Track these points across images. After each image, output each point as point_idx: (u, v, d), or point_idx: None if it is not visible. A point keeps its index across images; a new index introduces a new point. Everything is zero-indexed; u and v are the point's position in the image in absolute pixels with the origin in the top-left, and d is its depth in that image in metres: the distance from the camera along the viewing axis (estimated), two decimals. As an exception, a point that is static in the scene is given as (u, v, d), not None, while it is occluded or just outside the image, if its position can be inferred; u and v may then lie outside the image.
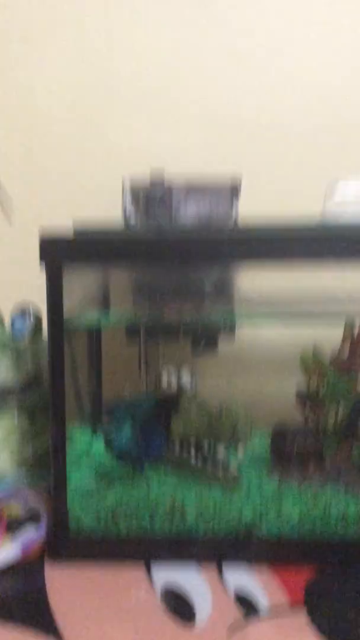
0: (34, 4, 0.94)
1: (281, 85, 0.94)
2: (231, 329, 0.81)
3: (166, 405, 0.71)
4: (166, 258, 0.60)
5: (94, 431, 0.83)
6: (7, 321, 0.81)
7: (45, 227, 0.59)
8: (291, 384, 0.75)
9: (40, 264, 0.59)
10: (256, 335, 0.89)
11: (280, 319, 0.73)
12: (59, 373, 0.61)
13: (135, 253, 0.59)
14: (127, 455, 0.69)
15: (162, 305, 0.73)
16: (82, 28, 0.94)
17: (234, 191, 0.77)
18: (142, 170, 0.78)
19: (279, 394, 0.79)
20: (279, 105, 0.94)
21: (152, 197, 0.77)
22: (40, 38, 0.95)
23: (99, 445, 0.79)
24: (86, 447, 0.79)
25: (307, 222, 0.63)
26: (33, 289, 0.83)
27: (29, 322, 0.79)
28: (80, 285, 0.69)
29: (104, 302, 0.75)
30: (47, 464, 0.76)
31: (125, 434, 0.69)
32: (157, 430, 0.69)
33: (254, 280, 0.71)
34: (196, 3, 0.93)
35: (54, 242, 0.59)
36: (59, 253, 0.59)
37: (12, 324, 0.79)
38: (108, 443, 0.70)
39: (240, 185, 0.76)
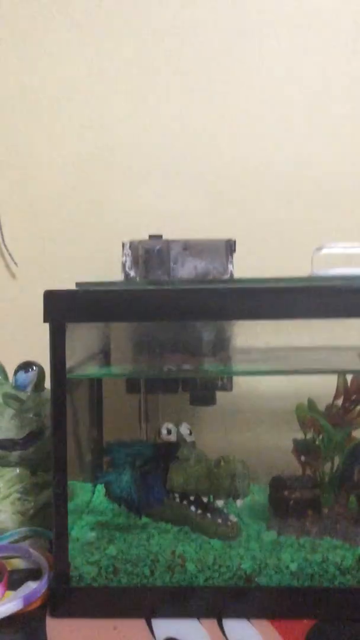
0: (35, 77, 1.01)
1: (273, 156, 1.00)
2: (228, 381, 0.83)
3: (166, 454, 0.72)
4: (165, 308, 0.63)
5: (95, 484, 0.84)
6: (10, 376, 0.84)
7: (49, 288, 0.63)
8: (288, 435, 0.77)
9: (45, 322, 0.62)
10: (253, 387, 0.91)
11: (275, 371, 0.75)
12: (61, 425, 0.63)
13: (135, 305, 0.62)
14: (126, 501, 0.70)
15: (161, 359, 0.75)
16: (80, 98, 1.01)
17: (229, 247, 0.81)
18: (141, 236, 0.82)
19: (276, 445, 0.81)
20: (271, 176, 1.00)
21: (150, 254, 0.81)
22: (41, 111, 1.01)
23: (100, 498, 0.81)
24: (87, 500, 0.80)
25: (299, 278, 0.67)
26: (36, 347, 0.87)
27: (32, 375, 0.82)
28: (82, 342, 0.72)
29: (105, 357, 0.78)
30: (49, 517, 0.78)
31: (125, 479, 0.70)
32: (156, 478, 0.70)
33: (250, 332, 0.73)
34: (191, 72, 0.99)
35: (57, 300, 0.62)
36: (62, 311, 0.62)
37: (16, 378, 0.82)
38: (107, 487, 0.72)
39: (234, 244, 0.80)
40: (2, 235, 1.01)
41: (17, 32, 1.00)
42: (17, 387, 0.81)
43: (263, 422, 0.90)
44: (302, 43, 0.98)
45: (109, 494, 0.72)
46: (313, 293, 0.62)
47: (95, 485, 0.83)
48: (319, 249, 0.67)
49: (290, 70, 0.99)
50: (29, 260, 1.02)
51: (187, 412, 0.86)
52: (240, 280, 0.74)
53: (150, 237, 0.82)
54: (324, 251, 0.67)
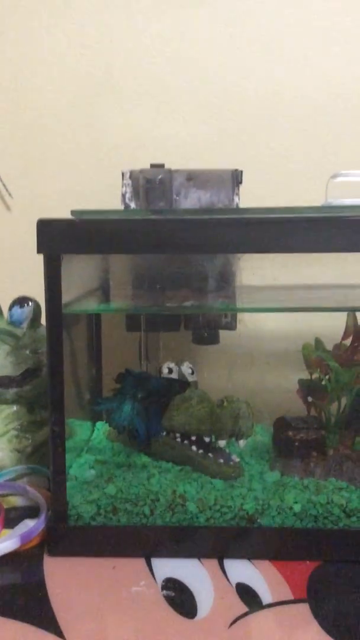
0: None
1: (283, 74, 0.92)
2: (232, 319, 0.80)
3: (172, 390, 0.70)
4: (167, 241, 0.59)
5: (94, 422, 0.83)
6: (5, 312, 0.80)
7: (43, 217, 0.58)
8: (293, 375, 0.75)
9: (39, 253, 0.58)
10: (257, 326, 0.88)
11: (282, 308, 0.72)
12: (58, 362, 0.60)
13: (137, 236, 0.58)
14: (126, 430, 0.71)
15: (162, 294, 0.72)
16: (80, 20, 0.93)
17: (235, 179, 0.76)
18: (142, 165, 0.77)
19: (281, 386, 0.78)
20: (280, 96, 0.93)
21: (151, 184, 0.76)
22: (38, 31, 0.94)
23: (99, 437, 0.79)
24: (86, 439, 0.78)
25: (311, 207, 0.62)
26: (31, 282, 0.83)
27: (28, 311, 0.78)
28: (79, 276, 0.68)
29: (104, 292, 0.74)
30: (45, 456, 0.76)
31: (126, 408, 0.70)
32: (157, 411, 0.69)
33: (256, 268, 0.70)
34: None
35: (52, 230, 0.58)
36: (57, 242, 0.58)
37: (11, 313, 0.79)
38: (108, 414, 0.72)
39: (241, 175, 0.75)
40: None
41: None
42: (13, 322, 0.78)
43: (268, 362, 0.87)
44: None
45: (109, 421, 0.72)
46: (325, 224, 0.57)
47: (95, 419, 0.81)
48: (335, 176, 0.62)
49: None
50: (24, 192, 0.97)
51: (189, 351, 0.83)
52: (247, 210, 0.69)
53: (152, 166, 0.77)
54: (339, 179, 0.62)
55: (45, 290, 0.59)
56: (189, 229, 0.58)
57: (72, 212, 0.61)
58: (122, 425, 0.71)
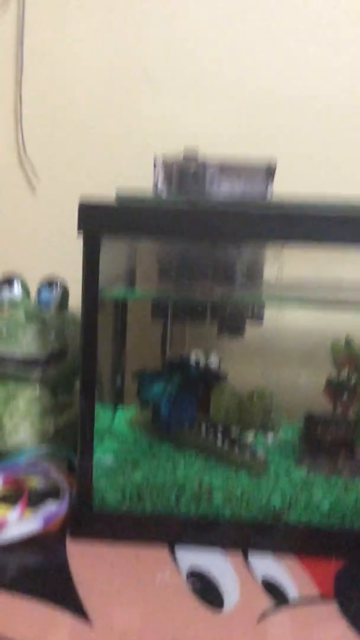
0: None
1: (318, 61, 0.91)
2: (259, 312, 0.79)
3: (209, 380, 0.70)
4: (207, 229, 0.57)
5: (115, 409, 0.82)
6: (33, 294, 0.80)
7: (85, 195, 0.57)
8: (321, 372, 0.74)
9: (78, 233, 0.57)
10: (285, 320, 0.87)
11: (311, 304, 0.71)
12: (91, 346, 0.59)
13: (179, 223, 0.57)
14: (152, 409, 0.71)
15: (190, 284, 0.71)
16: (113, 8, 0.92)
17: (269, 173, 0.75)
18: (174, 150, 0.76)
19: (308, 383, 0.78)
20: (316, 84, 0.92)
21: (185, 171, 0.75)
22: (73, 19, 0.92)
23: (120, 425, 0.78)
24: (107, 426, 0.77)
25: (347, 202, 0.61)
26: (58, 264, 0.82)
27: (56, 293, 0.77)
28: (111, 261, 0.67)
29: (130, 279, 0.74)
30: (68, 439, 0.75)
31: (157, 388, 0.71)
32: (192, 398, 0.69)
33: (287, 263, 0.69)
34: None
35: (95, 212, 0.57)
36: (98, 223, 0.57)
37: (39, 295, 0.78)
38: (138, 388, 0.73)
39: (275, 167, 0.74)
40: (24, 146, 0.95)
41: None
42: (40, 303, 0.77)
43: (293, 358, 0.86)
44: None
45: (138, 394, 0.73)
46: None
47: (116, 404, 0.81)
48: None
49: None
50: (51, 174, 0.96)
51: (214, 342, 0.83)
52: (280, 207, 0.68)
53: (185, 153, 0.76)
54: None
55: (83, 271, 0.58)
56: (230, 220, 0.57)
57: (117, 190, 0.60)
58: (147, 401, 0.71)
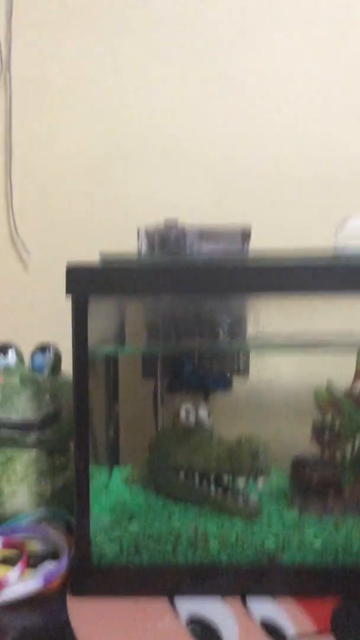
0: (56, 63, 1.01)
1: (284, 136, 1.00)
2: (245, 367, 0.82)
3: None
4: (191, 284, 0.62)
5: (111, 468, 0.84)
6: (25, 359, 0.83)
7: (71, 261, 0.62)
8: (306, 419, 0.77)
9: (67, 297, 0.62)
10: (269, 372, 0.90)
11: (293, 350, 0.75)
12: (84, 404, 0.62)
13: (161, 279, 0.61)
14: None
15: (177, 339, 0.75)
16: (98, 85, 1.01)
17: (244, 236, 0.81)
18: (155, 221, 0.82)
19: (294, 430, 0.80)
20: (283, 155, 1.00)
21: (166, 238, 0.81)
22: (60, 95, 1.02)
23: (116, 483, 0.80)
24: (104, 483, 0.79)
25: (321, 253, 0.66)
26: (49, 331, 0.86)
27: (49, 358, 0.81)
28: (98, 321, 0.72)
29: (121, 336, 0.77)
30: (65, 500, 0.77)
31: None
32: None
33: (267, 313, 0.73)
34: (201, 65, 1.00)
35: (80, 274, 0.61)
36: (84, 284, 0.62)
37: (32, 360, 0.81)
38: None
39: (250, 231, 0.80)
40: (14, 222, 1.01)
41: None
42: (34, 368, 0.81)
43: (279, 407, 0.89)
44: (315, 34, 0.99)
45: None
46: (335, 269, 0.61)
47: (112, 464, 0.83)
48: (345, 220, 0.67)
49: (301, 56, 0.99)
50: (41, 247, 1.02)
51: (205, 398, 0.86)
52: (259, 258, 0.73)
53: (166, 221, 0.82)
54: (350, 222, 0.66)
55: (72, 331, 0.62)
56: (212, 272, 0.62)
57: (101, 254, 0.65)
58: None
